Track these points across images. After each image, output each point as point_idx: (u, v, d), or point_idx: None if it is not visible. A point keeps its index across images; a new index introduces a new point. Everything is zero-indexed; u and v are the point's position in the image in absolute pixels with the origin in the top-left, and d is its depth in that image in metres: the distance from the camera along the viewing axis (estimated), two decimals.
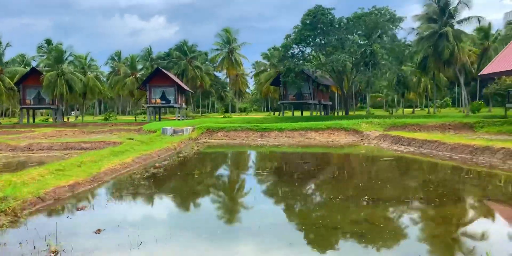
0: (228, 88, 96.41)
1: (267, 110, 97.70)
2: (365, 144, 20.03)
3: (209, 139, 25.27)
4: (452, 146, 14.83)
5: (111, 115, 62.04)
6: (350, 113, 58.84)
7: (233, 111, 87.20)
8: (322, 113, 57.86)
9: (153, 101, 56.93)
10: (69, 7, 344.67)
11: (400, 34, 69.47)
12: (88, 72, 69.13)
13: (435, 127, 26.45)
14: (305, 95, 53.45)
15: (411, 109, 63.33)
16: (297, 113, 60.21)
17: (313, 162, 14.68)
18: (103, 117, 59.40)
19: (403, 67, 53.14)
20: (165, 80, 56.68)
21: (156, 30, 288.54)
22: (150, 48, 72.67)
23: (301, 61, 45.06)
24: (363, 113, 57.23)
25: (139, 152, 14.10)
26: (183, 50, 69.88)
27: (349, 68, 47.43)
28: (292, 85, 48.12)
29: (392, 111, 61.70)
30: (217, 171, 13.42)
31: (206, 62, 77.13)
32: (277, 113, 59.51)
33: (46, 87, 52.37)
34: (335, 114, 61.06)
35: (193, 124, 30.02)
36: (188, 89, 63.60)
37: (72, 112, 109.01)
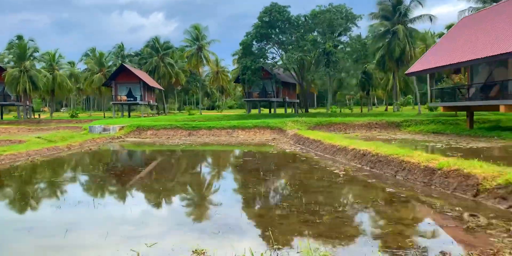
0: (209, 85, 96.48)
1: (255, 108, 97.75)
2: (271, 144, 20.15)
3: (135, 137, 25.38)
4: (325, 146, 15.03)
5: (77, 112, 61.97)
6: (313, 110, 59.10)
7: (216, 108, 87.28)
8: (292, 111, 58.12)
9: (119, 98, 57.05)
10: (69, 4, 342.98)
11: (363, 32, 69.05)
12: (63, 69, 69.35)
13: (362, 126, 26.67)
14: (269, 92, 53.62)
15: (375, 107, 63.57)
16: (269, 111, 60.33)
17: (197, 159, 14.86)
18: (69, 114, 59.37)
19: (367, 65, 53.36)
20: (131, 77, 56.58)
21: (156, 27, 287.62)
22: (122, 45, 72.53)
23: (259, 59, 45.10)
24: (325, 110, 57.42)
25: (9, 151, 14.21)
26: (155, 47, 69.73)
27: (308, 66, 47.55)
28: (252, 83, 48.25)
29: (361, 109, 61.93)
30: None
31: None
32: (264, 110, 59.02)
33: (9, 84, 52.30)
34: (303, 111, 61.38)
35: (128, 123, 30.10)
36: (157, 86, 63.57)
37: (62, 109, 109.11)
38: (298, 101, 61.69)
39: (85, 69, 75.35)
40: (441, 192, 7.83)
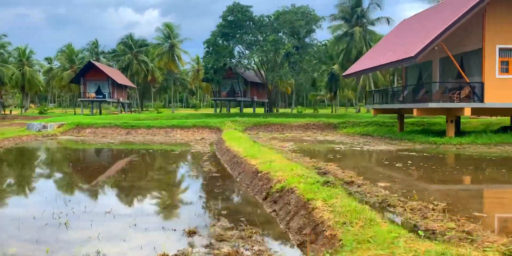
0: (191, 82, 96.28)
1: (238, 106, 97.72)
2: (193, 144, 20.21)
3: (71, 135, 25.35)
4: (222, 147, 15.17)
5: (46, 108, 61.60)
6: (283, 110, 59.42)
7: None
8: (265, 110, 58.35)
9: (87, 95, 56.85)
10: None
11: (324, 34, 69.27)
12: (35, 65, 68.98)
13: (299, 127, 26.91)
14: (237, 92, 53.76)
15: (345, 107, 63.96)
16: (250, 110, 60.40)
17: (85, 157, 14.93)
18: (38, 110, 59.00)
19: (334, 66, 53.69)
20: (100, 74, 56.28)
21: (151, 24, 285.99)
22: (97, 41, 72.09)
23: (222, 58, 45.15)
24: (294, 111, 57.66)
25: None
26: (128, 44, 69.54)
27: (273, 66, 47.72)
28: (217, 82, 48.37)
29: (333, 109, 62.28)
30: None
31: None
32: (246, 109, 58.44)
33: None
34: (275, 111, 61.71)
35: (78, 120, 30.04)
36: (129, 84, 63.33)
37: (50, 105, 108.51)
38: (267, 100, 61.97)
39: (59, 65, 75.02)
40: (246, 194, 8.02)
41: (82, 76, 56.09)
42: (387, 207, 6.25)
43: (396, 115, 30.10)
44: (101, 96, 57.33)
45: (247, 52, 46.56)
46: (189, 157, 14.52)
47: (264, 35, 44.40)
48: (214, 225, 5.70)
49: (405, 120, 28.22)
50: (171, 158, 14.59)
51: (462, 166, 11.56)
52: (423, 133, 21.58)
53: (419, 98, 21.08)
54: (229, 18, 44.48)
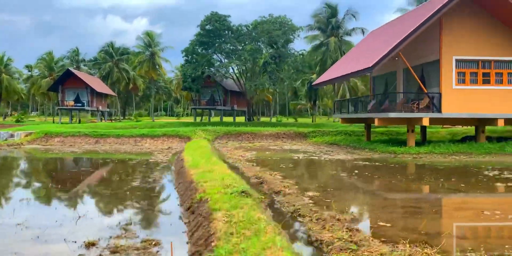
0: (175, 91, 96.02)
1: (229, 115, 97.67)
2: (156, 153, 20.12)
3: (38, 144, 25.00)
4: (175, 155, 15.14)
5: (23, 116, 60.78)
6: (265, 119, 59.64)
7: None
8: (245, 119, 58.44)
9: (66, 103, 56.35)
10: (51, 6, 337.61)
11: (303, 44, 69.65)
12: (14, 73, 68.14)
13: (269, 136, 27.00)
14: (217, 101, 53.86)
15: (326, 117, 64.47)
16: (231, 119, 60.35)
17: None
18: (15, 119, 58.19)
19: (313, 76, 54.15)
20: (79, 83, 55.89)
21: (139, 32, 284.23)
22: (77, 49, 71.70)
23: (200, 67, 45.23)
24: (274, 119, 57.90)
25: None
26: (109, 52, 69.30)
27: (251, 75, 47.95)
28: (196, 91, 48.42)
29: (314, 118, 62.63)
30: None
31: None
32: (228, 118, 58.23)
33: None
34: (256, 120, 61.93)
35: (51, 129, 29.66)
36: (109, 92, 62.89)
37: (32, 113, 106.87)
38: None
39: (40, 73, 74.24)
40: (171, 204, 8.04)
41: (60, 84, 55.61)
42: (297, 217, 6.32)
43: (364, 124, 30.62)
44: (80, 105, 56.83)
45: (226, 61, 46.76)
46: (143, 167, 14.43)
47: (242, 44, 44.71)
48: (118, 236, 5.68)
49: (375, 129, 28.64)
50: (123, 168, 14.51)
51: (405, 175, 11.74)
52: (389, 142, 21.82)
53: (383, 108, 21.38)
54: (207, 27, 44.73)
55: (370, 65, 17.10)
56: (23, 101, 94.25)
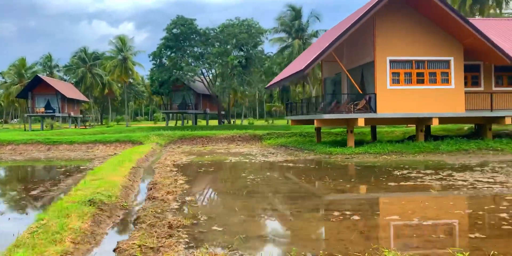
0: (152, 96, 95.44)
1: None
2: (96, 160, 19.97)
3: None
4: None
5: None
6: (239, 122, 59.65)
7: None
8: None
9: (36, 110, 55.75)
10: (35, 12, 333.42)
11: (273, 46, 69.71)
12: None
13: (224, 139, 27.00)
14: (189, 104, 53.73)
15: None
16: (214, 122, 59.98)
17: None
18: None
19: None
20: (49, 89, 55.34)
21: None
22: (50, 55, 71.03)
23: (167, 71, 45.12)
24: (246, 122, 57.93)
25: None
26: (82, 57, 68.79)
27: (220, 78, 48.00)
28: (167, 94, 48.35)
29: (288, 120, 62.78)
30: None
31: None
32: (216, 122, 57.72)
33: None
34: (232, 122, 61.96)
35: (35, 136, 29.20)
36: (81, 98, 62.29)
37: (13, 120, 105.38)
38: (223, 113, 62.08)
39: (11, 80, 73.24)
40: None
41: (29, 90, 54.99)
42: (135, 223, 6.31)
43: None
44: (51, 111, 56.36)
45: (193, 64, 46.73)
46: (65, 174, 14.30)
47: (210, 48, 44.71)
48: None
49: (332, 130, 28.84)
50: (41, 175, 14.42)
51: (310, 176, 11.71)
52: (339, 143, 21.98)
53: (330, 109, 21.54)
54: (174, 31, 44.69)
55: (301, 69, 17.22)
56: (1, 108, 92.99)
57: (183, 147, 24.88)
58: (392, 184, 9.95)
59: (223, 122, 52.82)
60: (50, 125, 59.41)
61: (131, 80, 69.06)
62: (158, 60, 46.40)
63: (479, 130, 24.45)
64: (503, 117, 18.68)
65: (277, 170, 13.54)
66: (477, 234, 5.51)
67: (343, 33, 17.16)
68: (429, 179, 10.51)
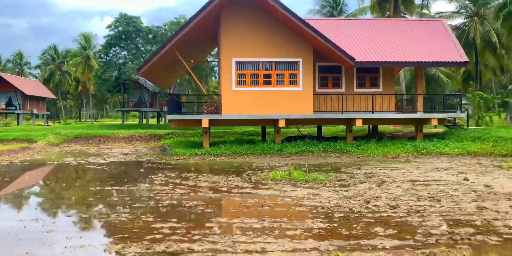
0: None
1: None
2: None
3: None
4: None
5: None
6: None
7: None
8: None
9: None
10: (47, 9, 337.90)
11: None
12: None
13: (123, 138, 27.07)
14: (144, 102, 53.95)
15: None
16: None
17: None
18: None
19: None
20: (10, 86, 56.05)
21: None
22: (21, 53, 71.77)
23: (111, 69, 45.29)
24: None
25: None
26: (51, 55, 69.46)
27: None
28: (118, 92, 48.62)
29: None
30: None
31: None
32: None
33: None
34: None
35: None
36: (46, 95, 62.83)
37: None
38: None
39: None
40: None
41: None
42: None
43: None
44: (13, 108, 57.15)
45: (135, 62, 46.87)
46: None
47: (155, 46, 44.68)
48: None
49: (236, 130, 28.67)
50: None
51: (94, 179, 11.79)
52: (214, 144, 21.89)
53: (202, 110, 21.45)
54: (118, 29, 44.76)
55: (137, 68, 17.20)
56: None
57: (72, 147, 25.00)
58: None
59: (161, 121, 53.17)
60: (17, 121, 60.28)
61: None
62: (105, 58, 46.62)
63: (374, 132, 24.30)
64: (354, 119, 18.45)
65: (76, 173, 13.47)
66: None
67: (180, 30, 17.11)
68: (171, 181, 10.47)
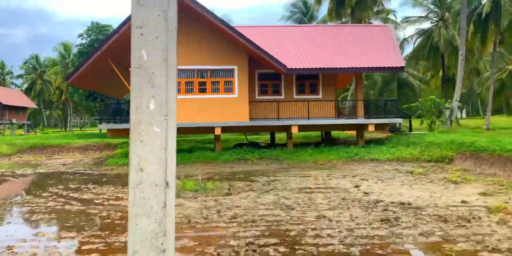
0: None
1: None
2: None
3: None
4: None
5: None
6: None
7: None
8: None
9: None
10: (46, 18, 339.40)
11: None
12: None
13: (78, 148, 26.87)
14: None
15: None
16: None
17: None
18: None
19: None
20: None
21: None
22: (3, 62, 71.83)
23: None
24: None
25: None
26: (32, 64, 69.52)
27: None
28: (92, 101, 48.49)
29: None
30: None
31: None
32: None
33: None
34: None
35: None
36: (26, 104, 62.79)
37: None
38: None
39: None
40: None
41: None
42: None
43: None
44: None
45: None
46: None
47: None
48: None
49: (197, 138, 28.55)
50: None
51: None
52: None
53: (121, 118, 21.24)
54: (92, 37, 44.85)
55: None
56: None
57: (24, 157, 24.82)
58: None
59: None
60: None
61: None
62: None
63: (327, 138, 24.20)
64: (290, 126, 18.35)
65: None
66: None
67: (107, 38, 17.07)
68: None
